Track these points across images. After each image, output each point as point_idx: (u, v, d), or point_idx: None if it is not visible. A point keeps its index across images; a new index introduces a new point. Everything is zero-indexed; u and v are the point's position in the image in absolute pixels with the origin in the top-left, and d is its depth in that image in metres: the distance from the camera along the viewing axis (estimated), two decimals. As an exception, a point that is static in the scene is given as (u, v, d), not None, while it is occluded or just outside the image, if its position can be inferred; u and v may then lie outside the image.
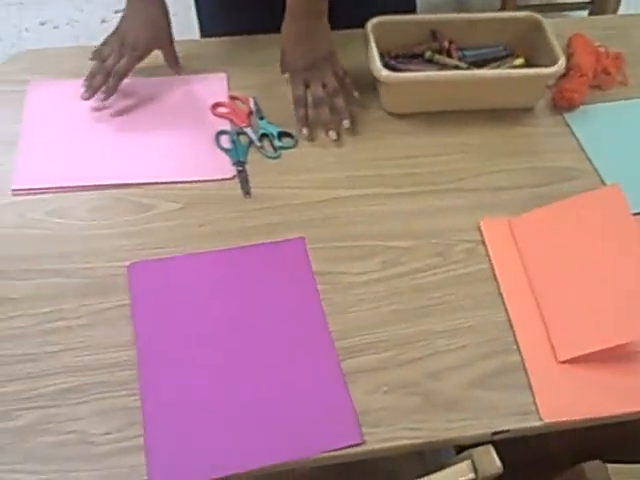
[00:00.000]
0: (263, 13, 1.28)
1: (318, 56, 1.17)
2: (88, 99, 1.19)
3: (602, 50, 1.32)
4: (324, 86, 1.18)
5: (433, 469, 0.84)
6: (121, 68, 1.18)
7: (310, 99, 1.19)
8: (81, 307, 0.97)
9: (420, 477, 0.82)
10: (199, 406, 0.89)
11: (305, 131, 1.19)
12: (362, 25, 1.24)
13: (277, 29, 1.22)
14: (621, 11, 2.64)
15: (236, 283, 1.00)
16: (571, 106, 1.25)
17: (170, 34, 1.24)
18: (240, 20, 1.38)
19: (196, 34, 1.54)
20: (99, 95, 1.19)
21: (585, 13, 2.74)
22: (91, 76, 1.20)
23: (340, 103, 1.19)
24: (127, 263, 1.01)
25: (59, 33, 2.62)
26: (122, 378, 0.91)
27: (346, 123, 1.18)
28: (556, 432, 0.93)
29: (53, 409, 0.88)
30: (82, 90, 1.19)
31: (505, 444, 0.91)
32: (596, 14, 2.66)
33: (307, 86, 1.19)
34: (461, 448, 0.97)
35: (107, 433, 0.87)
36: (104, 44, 1.23)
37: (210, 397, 0.89)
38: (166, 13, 1.22)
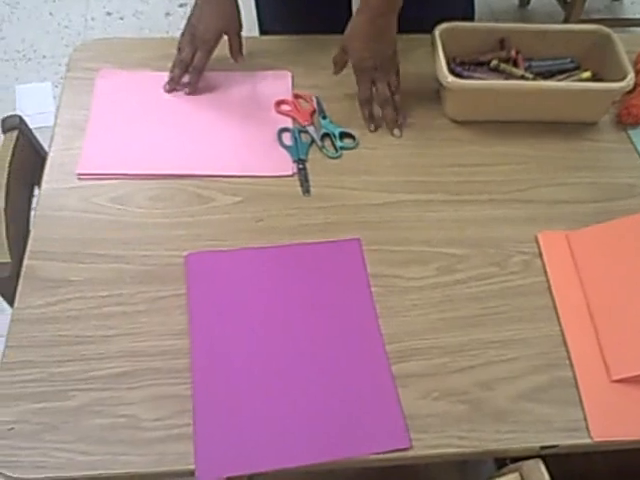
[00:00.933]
0: (326, 14, 1.28)
1: (385, 56, 1.18)
2: (170, 92, 1.25)
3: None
4: (389, 85, 1.19)
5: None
6: (197, 64, 1.23)
7: (377, 98, 1.20)
8: (138, 294, 0.99)
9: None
10: (248, 400, 0.90)
11: (373, 127, 1.21)
12: (420, 30, 1.24)
13: (337, 31, 1.22)
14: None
15: (291, 280, 1.01)
16: (637, 122, 1.23)
17: (240, 22, 1.25)
18: (300, 21, 1.40)
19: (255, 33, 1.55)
20: (184, 90, 1.25)
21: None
22: (172, 68, 1.25)
23: (399, 101, 1.21)
24: (184, 253, 1.03)
25: (124, 24, 2.66)
26: (175, 366, 0.93)
27: (398, 130, 1.22)
28: (601, 451, 0.92)
29: (106, 392, 0.90)
30: (165, 80, 1.25)
31: (548, 459, 0.91)
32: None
33: (373, 84, 1.19)
34: (501, 463, 0.97)
35: (157, 419, 0.88)
36: (182, 35, 1.24)
37: (260, 392, 0.90)
38: (236, 1, 1.23)
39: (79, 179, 1.11)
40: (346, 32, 1.18)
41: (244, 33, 1.27)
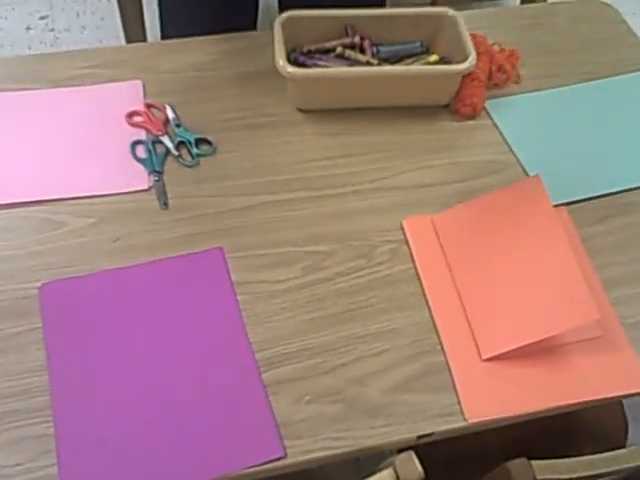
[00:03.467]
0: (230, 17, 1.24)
1: None
2: None
3: (496, 49, 1.30)
4: None
5: (368, 475, 0.83)
6: None
7: None
8: (-9, 333, 0.94)
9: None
10: (115, 429, 0.86)
11: None
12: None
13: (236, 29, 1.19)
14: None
15: (152, 299, 0.97)
16: (475, 112, 1.24)
17: None
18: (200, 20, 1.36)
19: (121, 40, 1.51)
20: None
21: (517, 1, 2.75)
22: None
23: None
24: (38, 284, 0.98)
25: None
26: (34, 405, 0.88)
27: None
28: (489, 429, 0.92)
29: (-38, 442, 0.85)
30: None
31: (438, 443, 0.91)
32: (527, 1, 2.67)
33: None
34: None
35: (18, 464, 0.83)
36: None
37: (126, 419, 0.87)
38: None
39: None
40: None
41: (113, 44, 1.22)
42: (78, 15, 2.55)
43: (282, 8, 1.47)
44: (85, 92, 1.23)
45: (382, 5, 1.48)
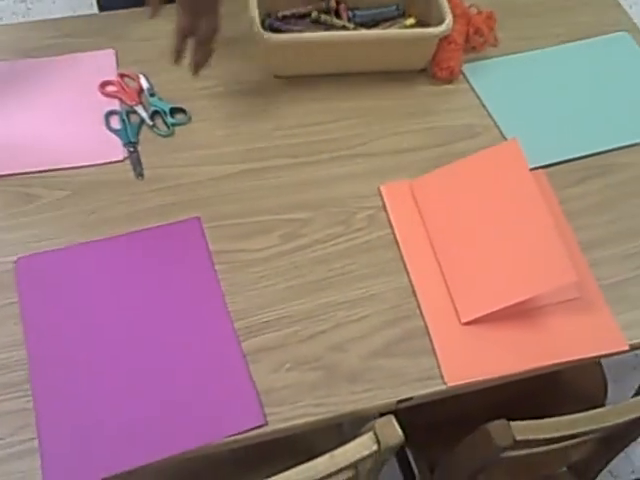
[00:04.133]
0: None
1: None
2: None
3: (474, 11, 1.28)
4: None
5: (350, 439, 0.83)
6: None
7: (198, 37, 1.07)
8: (-34, 308, 0.93)
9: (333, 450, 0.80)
10: (95, 402, 0.86)
11: (174, 60, 1.08)
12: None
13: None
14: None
15: (130, 270, 0.97)
16: (452, 76, 1.23)
17: None
18: None
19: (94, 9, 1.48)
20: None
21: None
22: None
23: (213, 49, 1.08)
24: (14, 258, 0.97)
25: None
26: (13, 379, 0.88)
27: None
28: (470, 392, 0.93)
29: (-60, 417, 0.84)
30: None
31: (419, 407, 0.91)
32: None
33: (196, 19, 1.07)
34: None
35: (-1, 439, 0.83)
36: None
37: (106, 392, 0.86)
38: None
39: None
40: None
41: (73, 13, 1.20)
42: (50, -15, 2.51)
43: None
44: (56, 62, 1.21)
45: None
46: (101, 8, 1.49)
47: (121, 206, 1.03)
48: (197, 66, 1.09)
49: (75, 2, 2.38)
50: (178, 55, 1.08)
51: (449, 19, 1.16)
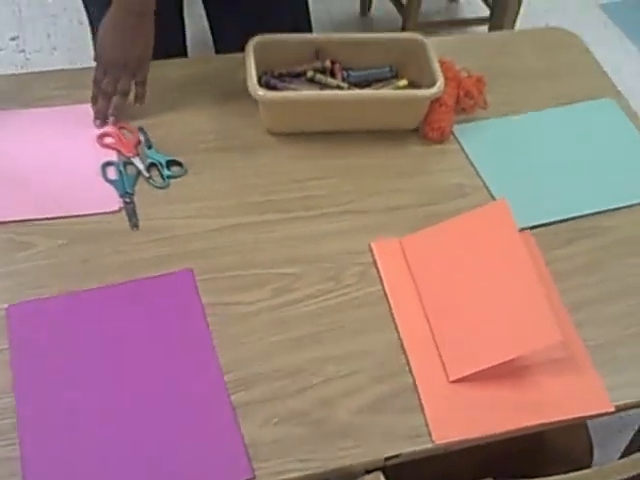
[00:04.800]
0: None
1: (134, 56, 1.18)
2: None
3: (464, 74, 1.32)
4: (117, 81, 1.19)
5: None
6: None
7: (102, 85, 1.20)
8: (-44, 355, 0.93)
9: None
10: (83, 453, 0.85)
11: (98, 123, 1.22)
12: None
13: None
14: (519, 27, 2.71)
15: (122, 320, 0.97)
16: (443, 136, 1.26)
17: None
18: None
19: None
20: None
21: (486, 28, 2.80)
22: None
23: (118, 102, 1.21)
24: (5, 305, 0.97)
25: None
26: (0, 427, 0.87)
27: (111, 119, 1.22)
28: (457, 450, 0.93)
29: None
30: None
31: (407, 465, 0.91)
32: (495, 29, 2.72)
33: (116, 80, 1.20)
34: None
35: (-18, 488, 0.83)
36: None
37: (95, 442, 0.86)
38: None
39: None
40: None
41: (85, 65, 1.24)
42: (49, 36, 2.55)
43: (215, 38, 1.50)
44: (56, 113, 1.23)
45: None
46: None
47: (115, 256, 1.04)
48: (97, 113, 1.22)
49: (74, 54, 2.43)
50: (100, 116, 1.22)
51: (441, 82, 1.20)
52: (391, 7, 2.80)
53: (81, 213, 1.09)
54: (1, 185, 1.11)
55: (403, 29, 2.63)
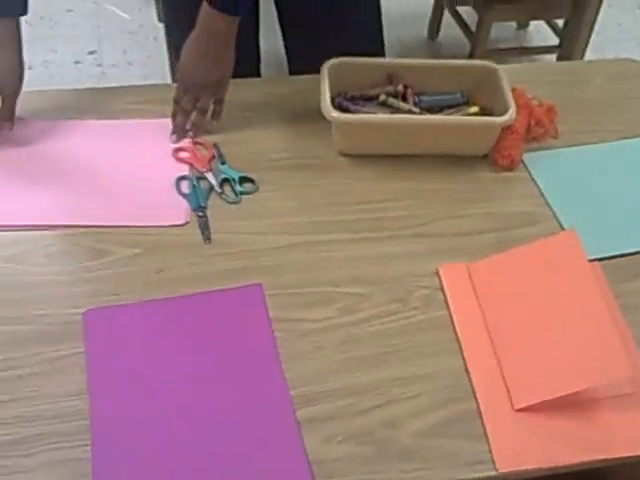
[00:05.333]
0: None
1: (214, 78, 1.22)
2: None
3: (535, 103, 1.32)
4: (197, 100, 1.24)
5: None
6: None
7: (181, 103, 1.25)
8: (34, 355, 0.96)
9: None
10: (151, 457, 0.87)
11: (175, 139, 1.26)
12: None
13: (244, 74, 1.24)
14: (589, 57, 2.70)
15: (192, 330, 1.00)
16: (513, 164, 1.26)
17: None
18: None
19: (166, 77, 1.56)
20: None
21: (554, 57, 2.79)
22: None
23: (196, 119, 1.26)
24: (82, 310, 1.01)
25: (33, 73, 2.62)
26: (74, 428, 0.90)
27: (189, 135, 1.27)
28: (517, 479, 0.93)
29: (2, 460, 0.86)
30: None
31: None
32: (564, 58, 2.71)
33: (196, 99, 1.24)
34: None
35: (55, 486, 0.85)
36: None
37: (163, 448, 0.88)
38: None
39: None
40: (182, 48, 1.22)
41: (158, 80, 1.28)
42: (125, 52, 2.64)
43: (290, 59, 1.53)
44: (134, 125, 1.27)
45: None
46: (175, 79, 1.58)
47: (187, 267, 1.07)
48: (176, 128, 1.26)
49: (148, 69, 2.50)
50: (178, 131, 1.26)
51: (513, 110, 1.20)
52: (459, 32, 2.81)
53: (154, 224, 1.12)
54: (81, 192, 1.16)
55: (471, 55, 2.64)
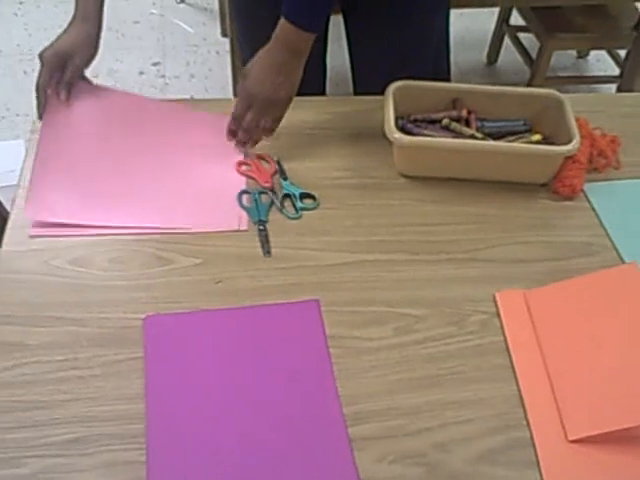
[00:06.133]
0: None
1: (277, 96, 1.21)
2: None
3: (598, 133, 1.32)
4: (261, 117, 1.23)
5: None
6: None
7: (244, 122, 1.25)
8: (94, 357, 0.98)
9: None
10: (204, 465, 0.89)
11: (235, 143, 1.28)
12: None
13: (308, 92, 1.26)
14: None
15: (249, 342, 1.01)
16: (574, 193, 1.25)
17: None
18: None
19: (226, 91, 1.59)
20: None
21: (614, 87, 2.77)
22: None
23: (259, 138, 1.27)
24: (142, 316, 1.03)
25: (99, 81, 2.69)
26: (129, 431, 0.92)
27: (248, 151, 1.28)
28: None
29: (59, 459, 0.89)
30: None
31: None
32: (625, 89, 2.69)
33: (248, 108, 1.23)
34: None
35: (110, 487, 0.87)
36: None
37: (216, 457, 0.89)
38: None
39: (34, 238, 1.12)
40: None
41: (219, 93, 1.30)
42: (188, 64, 2.69)
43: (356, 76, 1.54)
44: (197, 137, 1.29)
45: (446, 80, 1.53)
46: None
47: (246, 279, 1.09)
48: (237, 144, 1.27)
49: (209, 82, 2.55)
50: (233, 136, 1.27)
51: (577, 139, 1.20)
52: (518, 58, 2.81)
53: (216, 229, 1.15)
54: (144, 199, 1.19)
55: (530, 82, 2.63)
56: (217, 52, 2.72)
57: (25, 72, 2.76)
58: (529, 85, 2.63)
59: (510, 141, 1.28)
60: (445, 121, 1.28)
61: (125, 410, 0.93)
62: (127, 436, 0.91)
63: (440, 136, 1.26)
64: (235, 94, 1.57)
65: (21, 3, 2.94)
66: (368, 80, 1.46)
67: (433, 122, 1.30)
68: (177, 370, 0.97)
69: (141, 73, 2.68)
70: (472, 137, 1.27)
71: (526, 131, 1.31)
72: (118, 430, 0.92)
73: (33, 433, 0.91)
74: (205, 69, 2.66)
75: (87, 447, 0.90)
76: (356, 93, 1.55)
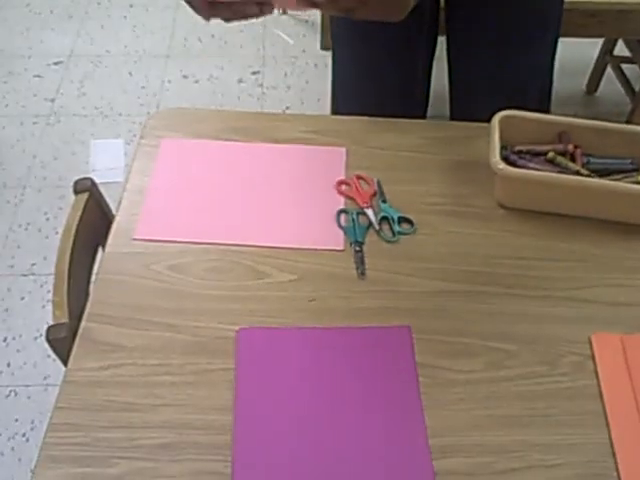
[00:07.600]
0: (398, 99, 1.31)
1: None
2: None
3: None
4: None
5: None
6: None
7: None
8: (187, 364, 1.01)
9: None
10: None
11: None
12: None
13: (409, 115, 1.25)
14: None
15: (339, 363, 1.01)
16: None
17: None
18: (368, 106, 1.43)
19: (322, 104, 1.60)
20: None
21: None
22: None
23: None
24: (236, 327, 1.05)
25: (199, 87, 2.76)
26: (217, 442, 0.93)
27: None
28: None
29: (148, 462, 0.91)
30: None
31: None
32: None
33: None
34: None
35: (195, 495, 0.89)
36: None
37: (300, 476, 0.90)
38: None
39: (136, 241, 1.15)
40: None
41: (314, 105, 1.30)
42: (286, 75, 2.73)
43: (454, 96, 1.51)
44: (296, 152, 1.31)
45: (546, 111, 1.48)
46: (334, 112, 1.61)
47: (340, 300, 1.09)
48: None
49: (305, 94, 2.58)
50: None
51: (686, 187, 1.16)
52: (618, 89, 2.74)
53: (313, 247, 1.16)
54: (242, 211, 1.21)
55: (631, 114, 2.56)
56: (315, 65, 2.75)
57: (130, 73, 2.85)
58: (630, 117, 2.56)
59: (616, 179, 1.25)
60: (551, 155, 1.26)
61: (214, 420, 0.95)
62: (214, 446, 0.93)
63: (545, 170, 1.24)
64: (332, 112, 1.59)
65: (131, 6, 3.04)
66: (470, 108, 1.45)
67: (537, 154, 1.28)
68: (266, 385, 0.99)
69: (240, 81, 2.73)
70: (578, 173, 1.24)
71: (633, 170, 1.27)
72: (206, 440, 0.93)
73: (125, 434, 0.94)
74: (302, 81, 2.69)
75: (176, 454, 0.92)
76: (452, 117, 1.54)
